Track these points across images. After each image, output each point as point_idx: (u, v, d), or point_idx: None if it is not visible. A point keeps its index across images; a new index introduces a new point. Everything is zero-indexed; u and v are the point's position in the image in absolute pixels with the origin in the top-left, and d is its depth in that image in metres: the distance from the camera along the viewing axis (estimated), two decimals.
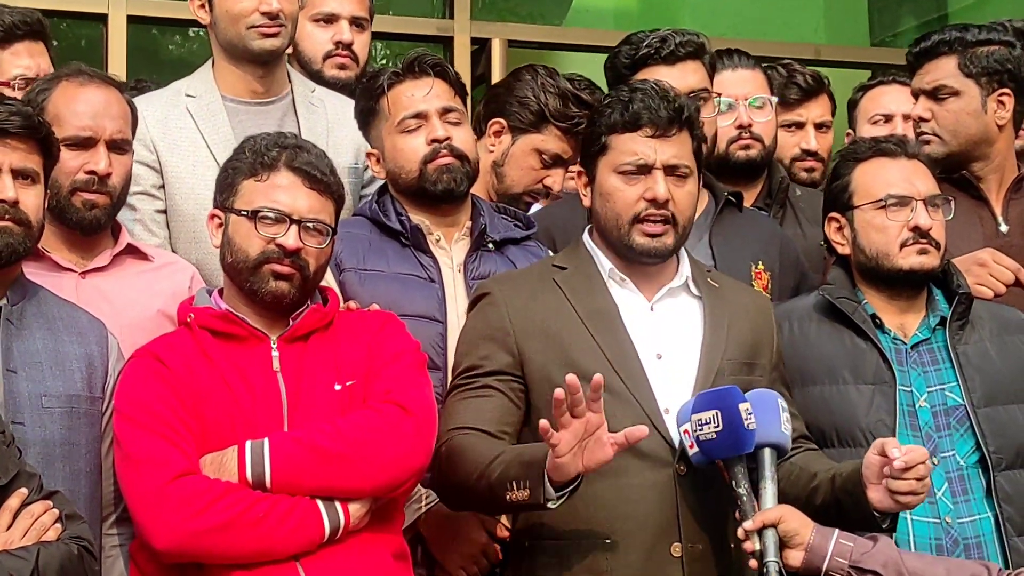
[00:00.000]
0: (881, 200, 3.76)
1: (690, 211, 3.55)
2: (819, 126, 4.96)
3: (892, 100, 5.08)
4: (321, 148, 3.53)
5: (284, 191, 3.41)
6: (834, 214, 3.85)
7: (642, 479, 3.39)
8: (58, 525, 3.10)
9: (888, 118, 5.06)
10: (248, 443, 3.27)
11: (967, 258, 4.04)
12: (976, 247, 4.16)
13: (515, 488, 3.21)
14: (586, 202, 3.59)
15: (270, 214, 3.39)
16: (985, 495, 3.66)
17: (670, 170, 3.49)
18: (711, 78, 4.22)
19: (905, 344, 3.75)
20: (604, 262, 3.56)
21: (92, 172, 3.63)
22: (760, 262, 4.09)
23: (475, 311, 3.56)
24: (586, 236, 3.63)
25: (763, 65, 4.84)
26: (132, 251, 3.79)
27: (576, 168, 3.69)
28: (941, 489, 3.63)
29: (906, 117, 4.99)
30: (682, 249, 3.61)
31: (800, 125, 4.94)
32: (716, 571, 3.44)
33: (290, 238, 3.38)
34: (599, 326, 3.47)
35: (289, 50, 4.83)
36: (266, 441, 3.27)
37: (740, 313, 3.58)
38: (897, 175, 3.78)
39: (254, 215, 3.39)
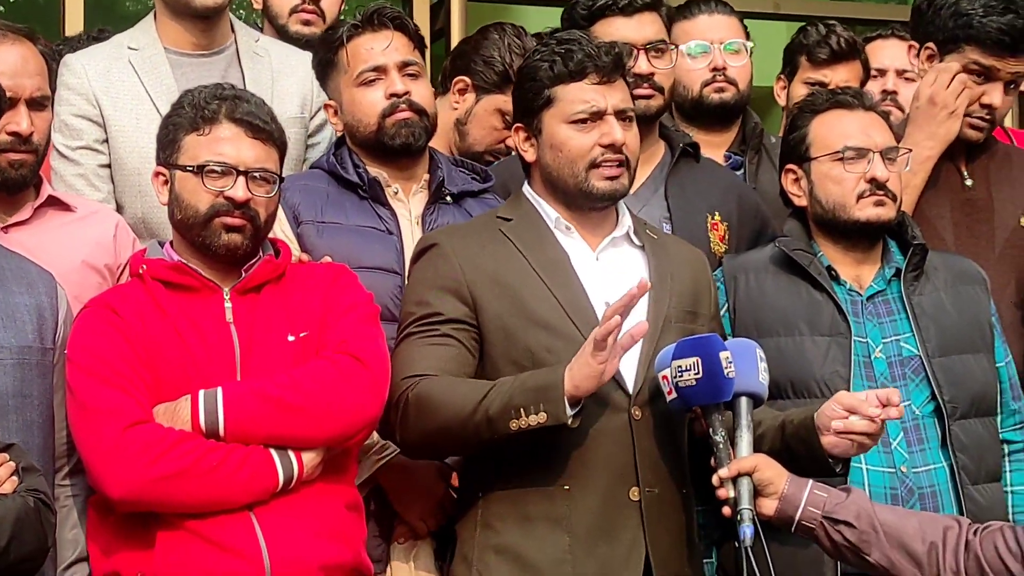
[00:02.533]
0: (838, 152, 3.75)
1: (637, 153, 3.58)
2: None
3: (888, 55, 5.07)
4: (264, 97, 3.52)
5: (228, 143, 3.39)
6: (791, 166, 3.84)
7: (598, 425, 3.40)
8: (14, 478, 3.10)
9: (882, 72, 5.05)
10: (201, 392, 3.28)
11: (913, 112, 4.09)
12: (941, 201, 4.18)
13: (524, 415, 3.24)
14: (529, 157, 3.58)
15: (216, 168, 3.37)
16: (940, 445, 3.68)
17: (619, 114, 3.51)
18: (668, 30, 4.20)
19: (861, 296, 3.76)
20: (549, 212, 3.57)
21: (15, 133, 3.60)
22: (717, 213, 4.06)
23: (423, 262, 3.55)
24: (526, 188, 3.63)
25: (803, 22, 4.82)
26: (54, 203, 3.78)
27: (516, 124, 3.63)
28: (896, 439, 3.65)
29: (899, 72, 5.00)
30: (621, 200, 3.63)
31: (824, 86, 4.77)
32: (672, 515, 3.47)
33: (239, 190, 3.37)
34: (552, 275, 3.48)
35: (258, 4, 4.82)
36: (219, 390, 3.28)
37: (680, 263, 3.61)
38: (854, 127, 3.78)
39: (200, 169, 3.37)
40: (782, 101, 4.98)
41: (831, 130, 3.79)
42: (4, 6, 7.05)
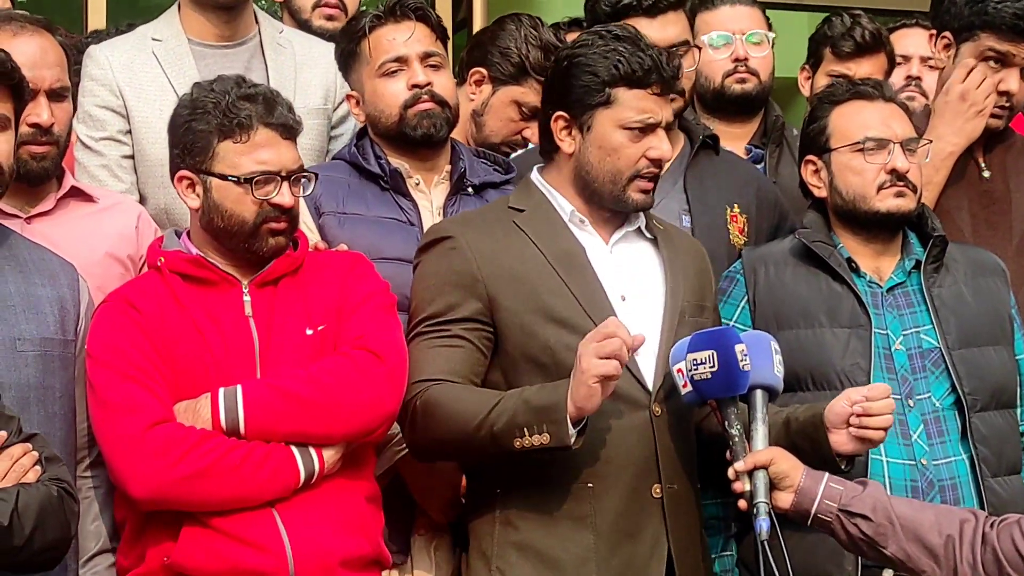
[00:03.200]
0: (858, 143, 3.75)
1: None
2: None
3: (912, 43, 5.07)
4: (287, 88, 3.51)
5: (266, 150, 3.38)
6: (811, 157, 3.84)
7: (620, 422, 3.39)
8: (38, 467, 3.10)
9: (906, 59, 5.05)
10: (221, 390, 3.29)
11: (940, 106, 4.09)
12: (958, 193, 4.18)
13: (528, 434, 3.22)
14: (566, 148, 3.50)
15: (261, 177, 3.36)
16: (960, 437, 3.68)
17: (667, 127, 3.50)
18: (691, 29, 4.19)
19: (880, 287, 3.76)
20: (564, 204, 3.53)
21: (35, 125, 3.61)
22: (736, 205, 4.06)
23: (436, 254, 3.50)
24: (536, 176, 3.59)
25: (825, 12, 4.81)
26: (76, 193, 3.78)
27: (557, 112, 3.53)
28: (917, 431, 3.65)
29: (923, 60, 5.00)
30: None
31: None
32: (689, 511, 3.48)
33: (285, 196, 3.38)
34: (567, 269, 3.45)
35: None
36: (239, 388, 3.30)
37: (686, 256, 3.61)
38: (875, 118, 3.78)
39: (247, 181, 3.36)
40: (806, 92, 4.96)
41: (851, 121, 3.79)
42: None
